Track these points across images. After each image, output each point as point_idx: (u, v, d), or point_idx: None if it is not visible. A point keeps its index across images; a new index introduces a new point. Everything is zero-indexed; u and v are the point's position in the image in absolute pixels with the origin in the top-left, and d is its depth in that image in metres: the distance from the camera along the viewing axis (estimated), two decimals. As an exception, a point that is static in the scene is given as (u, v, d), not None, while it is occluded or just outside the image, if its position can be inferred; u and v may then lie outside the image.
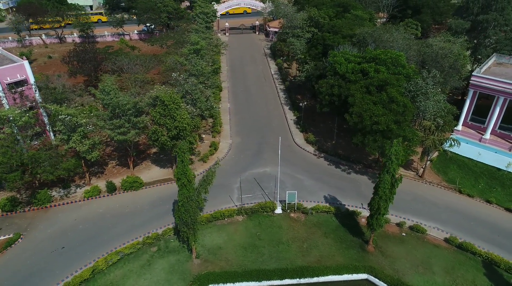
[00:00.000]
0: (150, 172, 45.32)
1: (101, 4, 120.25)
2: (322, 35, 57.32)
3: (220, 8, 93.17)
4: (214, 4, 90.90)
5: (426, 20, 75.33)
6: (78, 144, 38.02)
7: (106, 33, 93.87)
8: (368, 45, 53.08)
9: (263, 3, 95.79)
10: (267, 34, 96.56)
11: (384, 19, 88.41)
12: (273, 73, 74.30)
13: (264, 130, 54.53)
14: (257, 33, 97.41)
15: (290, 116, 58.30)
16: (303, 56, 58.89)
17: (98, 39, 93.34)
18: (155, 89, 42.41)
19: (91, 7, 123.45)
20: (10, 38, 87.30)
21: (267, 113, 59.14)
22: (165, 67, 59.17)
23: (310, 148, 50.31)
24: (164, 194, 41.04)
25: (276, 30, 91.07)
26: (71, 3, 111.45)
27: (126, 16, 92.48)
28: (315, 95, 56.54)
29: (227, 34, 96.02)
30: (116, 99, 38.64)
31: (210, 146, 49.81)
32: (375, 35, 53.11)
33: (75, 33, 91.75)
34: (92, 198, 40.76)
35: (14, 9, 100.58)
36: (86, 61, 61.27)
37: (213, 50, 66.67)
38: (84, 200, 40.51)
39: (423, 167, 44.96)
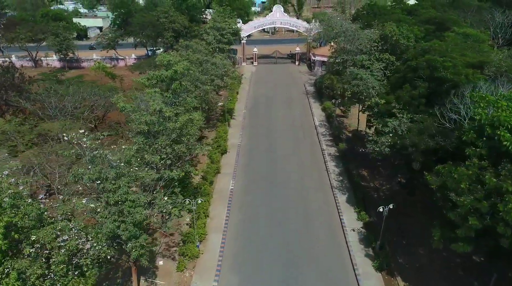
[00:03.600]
0: None
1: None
2: (428, 60, 27.82)
3: (247, 28, 67.23)
4: (238, 22, 65.27)
5: None
6: None
7: (95, 56, 70.76)
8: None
9: (308, 23, 68.96)
10: (310, 65, 68.94)
11: (497, 44, 57.57)
12: (317, 123, 45.33)
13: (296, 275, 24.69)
14: (296, 63, 70.04)
15: (352, 222, 28.24)
16: (382, 101, 29.24)
17: (84, 64, 70.34)
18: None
19: (100, 28, 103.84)
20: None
21: (304, 223, 29.07)
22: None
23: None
24: None
25: (324, 59, 63.08)
26: (74, 22, 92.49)
27: (121, 36, 68.86)
28: (414, 188, 26.81)
29: (255, 63, 69.41)
30: None
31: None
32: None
33: (54, 55, 69.45)
34: None
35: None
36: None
37: (221, 84, 39.59)
38: None
39: None
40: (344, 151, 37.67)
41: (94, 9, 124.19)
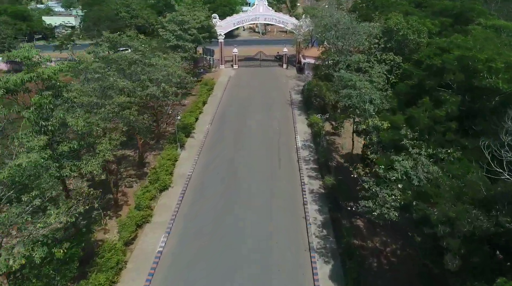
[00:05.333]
0: None
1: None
2: (461, 57, 16.99)
3: (225, 25, 56.63)
4: (214, 17, 54.87)
5: None
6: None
7: (53, 58, 60.35)
8: None
9: (297, 19, 58.35)
10: (300, 69, 58.31)
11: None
12: (300, 144, 34.54)
13: None
14: (284, 66, 59.37)
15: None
16: (385, 125, 18.10)
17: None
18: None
19: (72, 28, 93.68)
20: None
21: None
22: None
23: None
24: None
25: (316, 61, 52.56)
26: (41, 20, 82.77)
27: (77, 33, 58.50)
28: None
29: (235, 66, 58.84)
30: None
31: None
32: None
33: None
34: None
35: None
36: None
37: (156, 93, 28.73)
38: None
39: None
40: (332, 187, 26.81)
41: (72, 8, 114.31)
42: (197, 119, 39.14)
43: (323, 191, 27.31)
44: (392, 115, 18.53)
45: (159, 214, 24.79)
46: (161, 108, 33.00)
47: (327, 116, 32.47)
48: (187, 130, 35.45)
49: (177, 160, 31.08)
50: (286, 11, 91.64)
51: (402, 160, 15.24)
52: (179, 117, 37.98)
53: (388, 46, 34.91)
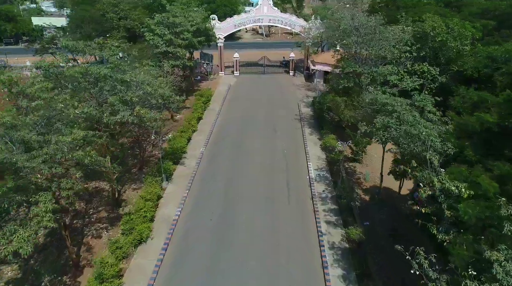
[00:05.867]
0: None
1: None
2: None
3: (226, 27, 50.43)
4: (213, 19, 48.74)
5: None
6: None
7: (28, 63, 54.48)
8: None
9: (306, 20, 52.04)
10: (309, 76, 52.09)
11: None
12: (314, 174, 28.22)
13: None
14: (291, 73, 53.11)
15: None
16: (465, 190, 11.40)
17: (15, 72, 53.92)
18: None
19: (63, 29, 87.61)
20: None
21: None
22: None
23: None
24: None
25: (327, 69, 46.30)
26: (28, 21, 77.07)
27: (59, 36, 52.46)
28: None
29: (236, 73, 52.64)
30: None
31: None
32: None
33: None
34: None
35: None
36: None
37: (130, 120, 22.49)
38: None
39: None
40: (359, 241, 20.56)
41: (64, 8, 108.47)
42: (189, 139, 32.98)
43: (346, 246, 21.04)
44: (469, 168, 12.21)
45: (131, 281, 18.60)
46: (142, 136, 26.86)
47: (348, 143, 26.16)
48: (176, 155, 29.28)
49: (161, 198, 24.93)
50: (291, 12, 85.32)
51: (505, 260, 9.11)
52: (166, 138, 31.95)
53: (421, 55, 28.70)
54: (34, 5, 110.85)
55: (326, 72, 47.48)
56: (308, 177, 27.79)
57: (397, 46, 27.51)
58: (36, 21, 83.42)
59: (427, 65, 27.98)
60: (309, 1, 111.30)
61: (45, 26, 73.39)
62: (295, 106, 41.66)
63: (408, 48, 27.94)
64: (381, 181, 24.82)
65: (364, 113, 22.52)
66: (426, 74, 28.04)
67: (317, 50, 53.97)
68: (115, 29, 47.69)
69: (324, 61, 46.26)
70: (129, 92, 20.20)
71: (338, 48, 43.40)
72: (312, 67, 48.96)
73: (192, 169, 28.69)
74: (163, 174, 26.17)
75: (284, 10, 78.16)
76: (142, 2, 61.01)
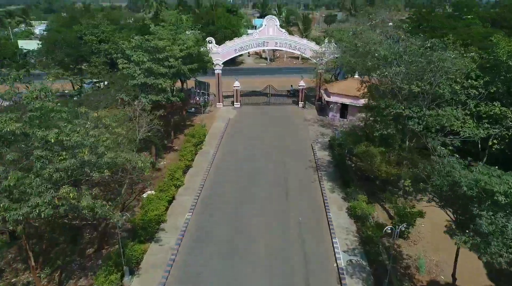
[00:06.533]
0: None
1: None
2: None
3: (224, 52, 43.05)
4: (210, 42, 41.50)
5: None
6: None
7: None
8: None
9: (317, 43, 44.64)
10: (321, 108, 44.32)
11: None
12: (343, 258, 19.73)
13: None
14: (300, 104, 45.32)
15: None
16: None
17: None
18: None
19: (31, 53, 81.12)
20: None
21: None
22: None
23: None
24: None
25: (345, 101, 38.61)
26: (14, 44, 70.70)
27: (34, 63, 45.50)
28: None
29: (236, 104, 44.95)
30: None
31: None
32: None
33: None
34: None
35: None
36: None
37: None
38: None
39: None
40: None
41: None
42: (172, 200, 24.76)
43: None
44: None
45: None
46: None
47: (398, 228, 17.55)
48: (150, 229, 20.95)
49: (117, 308, 16.53)
50: (298, 34, 78.67)
51: None
52: (127, 217, 23.92)
53: (491, 90, 20.74)
54: (29, 28, 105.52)
55: (343, 105, 39.78)
56: (336, 265, 19.31)
57: (459, 80, 19.65)
58: (23, 44, 77.34)
59: (499, 105, 20.01)
60: (314, 23, 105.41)
61: (33, 50, 66.97)
62: (309, 148, 33.56)
63: (474, 82, 20.06)
64: (454, 272, 16.32)
65: (447, 196, 14.23)
66: (497, 119, 20.04)
67: (332, 77, 46.45)
68: (94, 54, 40.46)
69: (341, 92, 38.58)
70: (54, 161, 12.17)
71: (358, 77, 35.91)
72: (326, 98, 41.20)
73: (171, 250, 20.30)
74: (125, 266, 17.79)
75: (290, 33, 71.77)
76: (134, 25, 54.60)
